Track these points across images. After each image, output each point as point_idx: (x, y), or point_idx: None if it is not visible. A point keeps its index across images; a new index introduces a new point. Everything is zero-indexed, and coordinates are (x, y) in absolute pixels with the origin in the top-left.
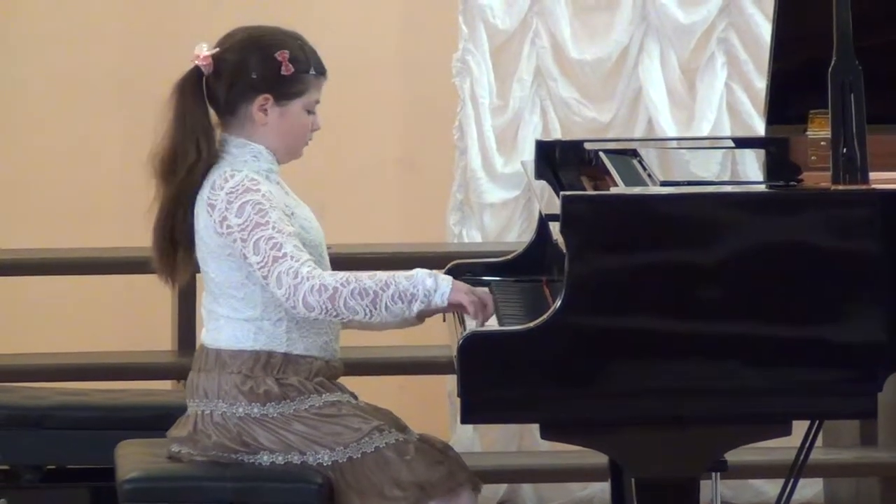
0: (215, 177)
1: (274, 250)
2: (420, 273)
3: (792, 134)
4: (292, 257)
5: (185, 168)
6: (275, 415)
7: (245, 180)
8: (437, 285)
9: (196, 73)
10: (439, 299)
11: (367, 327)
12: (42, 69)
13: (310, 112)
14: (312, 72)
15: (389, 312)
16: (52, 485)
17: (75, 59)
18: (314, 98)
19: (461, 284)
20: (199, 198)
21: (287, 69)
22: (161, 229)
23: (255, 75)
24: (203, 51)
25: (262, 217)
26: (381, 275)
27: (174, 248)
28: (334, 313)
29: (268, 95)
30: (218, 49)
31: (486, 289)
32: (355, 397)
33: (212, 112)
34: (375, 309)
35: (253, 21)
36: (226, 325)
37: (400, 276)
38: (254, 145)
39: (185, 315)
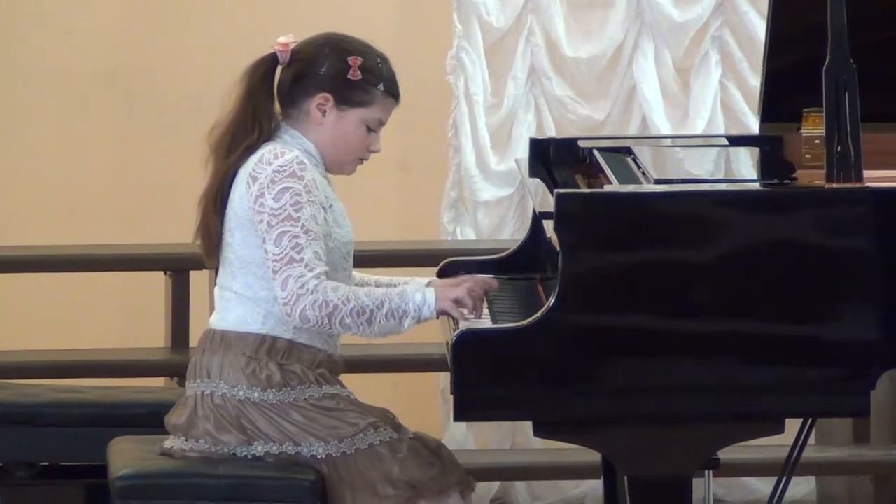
0: (264, 151)
1: (294, 251)
2: (410, 289)
3: (786, 132)
4: (307, 265)
5: (243, 146)
6: (274, 401)
7: (294, 162)
8: (425, 299)
9: (272, 58)
10: (427, 312)
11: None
12: (34, 66)
13: (370, 129)
14: (381, 87)
15: (381, 329)
16: (45, 482)
17: (68, 56)
18: (377, 116)
19: (444, 290)
20: (241, 171)
21: (355, 74)
22: (209, 203)
23: (323, 72)
24: (286, 39)
25: (295, 210)
26: (377, 292)
27: (220, 222)
28: (328, 327)
29: (328, 95)
30: (299, 42)
31: (471, 277)
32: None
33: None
34: (369, 326)
35: (244, 19)
36: (237, 305)
37: (393, 293)
38: (306, 140)
39: (179, 312)
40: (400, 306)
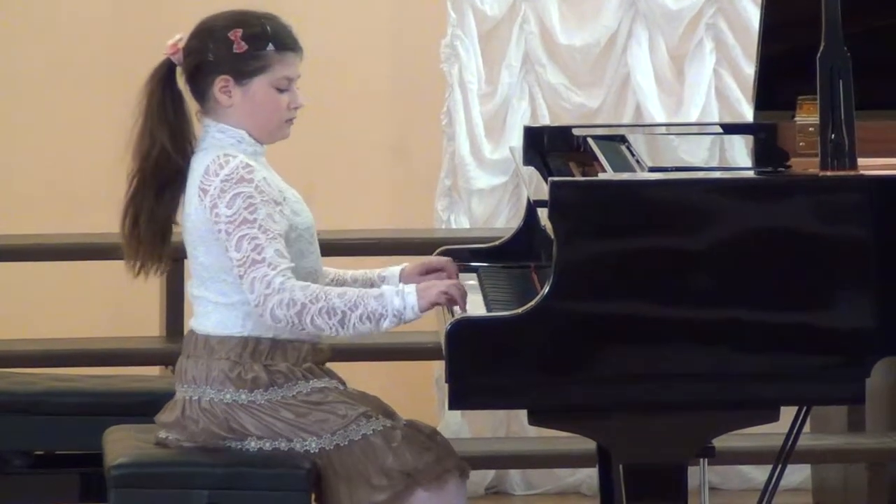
0: (208, 161)
1: (254, 252)
2: (388, 292)
3: (780, 120)
4: (269, 264)
5: (141, 156)
6: (262, 401)
7: (240, 168)
8: (405, 301)
9: (166, 64)
10: (411, 314)
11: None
12: (31, 54)
13: (281, 90)
14: (271, 47)
15: (357, 331)
16: (40, 470)
17: (65, 43)
18: (281, 74)
19: (424, 285)
20: (189, 182)
21: (239, 47)
22: (124, 217)
23: (212, 57)
24: (174, 41)
25: (250, 213)
26: (351, 293)
27: (136, 237)
28: (300, 328)
29: (227, 76)
30: (184, 38)
31: (447, 260)
32: (343, 384)
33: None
34: (343, 328)
35: (242, 5)
36: (214, 311)
37: (369, 295)
38: (233, 130)
39: (173, 301)
40: (377, 309)
